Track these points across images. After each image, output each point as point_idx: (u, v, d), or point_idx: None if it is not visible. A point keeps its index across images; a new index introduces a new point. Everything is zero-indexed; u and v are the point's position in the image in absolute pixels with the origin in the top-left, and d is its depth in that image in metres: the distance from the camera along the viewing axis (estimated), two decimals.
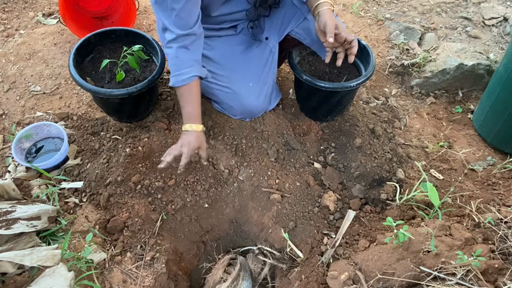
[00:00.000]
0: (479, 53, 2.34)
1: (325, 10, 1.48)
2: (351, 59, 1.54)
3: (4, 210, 1.43)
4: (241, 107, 1.80)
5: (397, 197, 1.70)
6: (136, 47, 1.70)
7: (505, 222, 1.47)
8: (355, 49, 1.51)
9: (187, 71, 1.53)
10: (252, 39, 1.76)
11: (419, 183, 1.58)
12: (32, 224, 1.42)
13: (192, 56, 1.54)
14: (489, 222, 1.46)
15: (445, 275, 1.26)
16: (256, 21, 1.70)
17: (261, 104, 1.81)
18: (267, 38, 1.76)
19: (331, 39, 1.43)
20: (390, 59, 2.41)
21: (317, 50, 1.79)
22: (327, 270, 1.47)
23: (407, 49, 2.45)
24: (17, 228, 1.38)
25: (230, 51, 1.77)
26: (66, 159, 1.75)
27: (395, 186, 1.75)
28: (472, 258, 1.24)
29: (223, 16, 1.65)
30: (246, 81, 1.76)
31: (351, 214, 1.63)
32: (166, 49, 1.56)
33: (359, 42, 1.77)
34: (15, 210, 1.44)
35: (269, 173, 1.80)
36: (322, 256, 1.55)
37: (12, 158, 1.70)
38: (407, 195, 1.67)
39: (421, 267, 1.30)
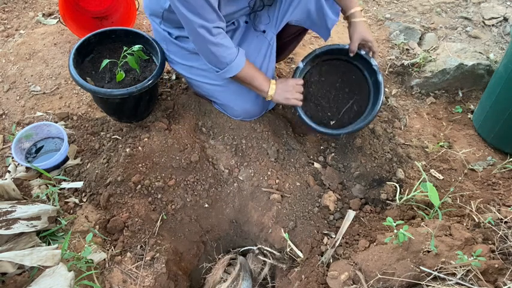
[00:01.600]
0: (479, 53, 2.34)
1: (361, 23, 1.68)
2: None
3: (4, 210, 1.43)
4: (242, 106, 1.80)
5: (397, 197, 1.70)
6: (136, 47, 1.70)
7: (505, 222, 1.47)
8: (375, 55, 1.77)
9: (236, 57, 1.56)
10: (253, 29, 1.75)
11: (419, 183, 1.58)
12: (32, 224, 1.42)
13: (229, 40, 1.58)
14: (489, 222, 1.46)
15: (445, 275, 1.26)
16: (257, 11, 1.69)
17: (260, 102, 1.81)
18: (264, 31, 1.75)
19: (368, 54, 1.77)
20: (390, 59, 2.41)
21: (317, 31, 1.79)
22: (327, 270, 1.48)
23: (407, 49, 2.45)
24: (17, 228, 1.38)
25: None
26: (66, 159, 1.75)
27: (395, 186, 1.75)
28: (472, 258, 1.24)
29: (227, 16, 1.64)
30: None
31: (351, 214, 1.63)
32: (203, 44, 1.52)
33: (377, 76, 1.81)
34: (15, 210, 1.44)
35: (269, 173, 1.80)
36: (322, 256, 1.55)
37: (12, 158, 1.70)
38: (407, 195, 1.67)
39: (421, 267, 1.30)
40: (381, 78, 1.78)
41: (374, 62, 1.75)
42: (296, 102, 1.71)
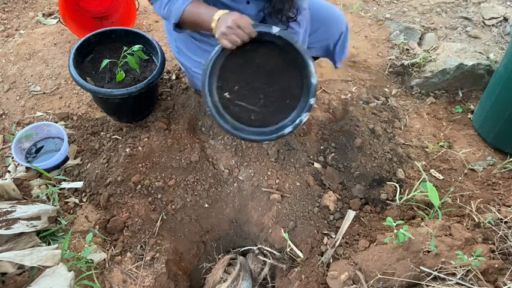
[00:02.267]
0: (479, 53, 2.34)
1: None
2: None
3: (4, 210, 1.43)
4: None
5: (397, 197, 1.70)
6: (136, 47, 1.70)
7: (505, 222, 1.47)
8: None
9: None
10: None
11: (419, 183, 1.58)
12: (32, 224, 1.42)
13: None
14: (489, 222, 1.46)
15: (445, 275, 1.26)
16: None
17: None
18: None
19: None
20: (390, 59, 2.41)
21: (331, 60, 1.86)
22: (327, 270, 1.47)
23: (407, 49, 2.45)
24: (17, 228, 1.38)
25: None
26: (66, 159, 1.75)
27: (395, 186, 1.75)
28: (472, 258, 1.24)
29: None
30: None
31: (351, 214, 1.63)
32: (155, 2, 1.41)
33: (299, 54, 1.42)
34: (15, 210, 1.44)
35: (269, 173, 1.80)
36: (322, 256, 1.55)
37: (12, 158, 1.70)
38: (407, 195, 1.67)
39: (421, 267, 1.30)
40: (304, 56, 1.38)
41: (275, 30, 1.32)
42: (226, 44, 1.30)
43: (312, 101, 1.42)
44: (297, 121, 1.44)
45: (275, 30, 1.31)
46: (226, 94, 1.44)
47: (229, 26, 1.26)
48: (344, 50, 1.85)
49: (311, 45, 1.77)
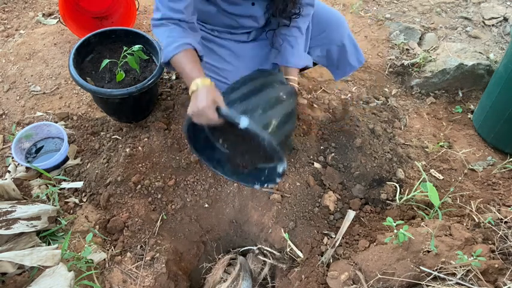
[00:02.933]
0: (479, 53, 2.34)
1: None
2: None
3: (4, 210, 1.43)
4: None
5: (397, 197, 1.70)
6: (136, 47, 1.70)
7: (505, 222, 1.47)
8: None
9: (180, 39, 1.34)
10: (270, 46, 1.69)
11: (419, 183, 1.58)
12: (32, 224, 1.42)
13: (186, 34, 1.38)
14: (489, 222, 1.46)
15: (445, 275, 1.26)
16: (273, 30, 1.64)
17: None
18: (281, 45, 1.68)
19: None
20: (390, 59, 2.41)
21: (332, 71, 1.85)
22: (327, 270, 1.48)
23: (407, 49, 2.45)
24: (17, 228, 1.38)
25: (239, 49, 1.70)
26: (66, 159, 1.75)
27: (395, 186, 1.75)
28: (472, 258, 1.24)
29: (235, 17, 1.59)
30: None
31: (351, 214, 1.63)
32: (157, 28, 1.39)
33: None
34: (15, 210, 1.44)
35: None
36: (322, 256, 1.55)
37: (12, 158, 1.70)
38: (407, 195, 1.67)
39: (421, 267, 1.30)
40: (271, 150, 1.25)
41: (243, 123, 1.18)
42: (196, 122, 1.30)
43: (279, 170, 1.32)
44: (266, 182, 1.39)
45: (243, 123, 1.17)
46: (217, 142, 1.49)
47: (197, 112, 1.24)
48: (346, 72, 1.82)
49: (312, 49, 1.75)
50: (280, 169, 1.31)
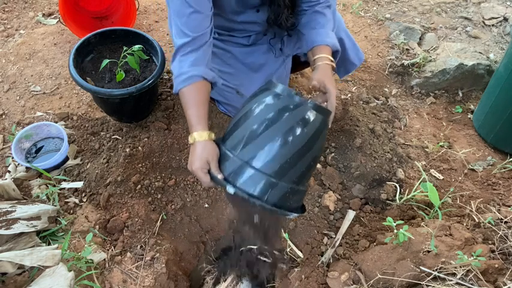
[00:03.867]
0: (479, 53, 2.34)
1: (324, 67, 1.34)
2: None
3: (4, 210, 1.43)
4: None
5: (397, 197, 1.70)
6: (136, 47, 1.70)
7: (505, 222, 1.47)
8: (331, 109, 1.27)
9: (188, 71, 1.31)
10: (268, 50, 1.69)
11: (419, 183, 1.58)
12: (32, 224, 1.42)
13: (196, 60, 1.33)
14: (489, 222, 1.46)
15: (445, 275, 1.26)
16: (273, 34, 1.64)
17: None
18: (281, 49, 1.70)
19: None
20: (390, 59, 2.41)
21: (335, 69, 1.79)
22: (327, 270, 1.48)
23: (407, 49, 2.45)
24: (17, 228, 1.38)
25: (239, 53, 1.70)
26: (66, 159, 1.75)
27: (395, 186, 1.75)
28: (472, 258, 1.24)
29: (237, 24, 1.58)
30: (254, 84, 1.67)
31: (350, 214, 1.63)
32: (172, 62, 1.36)
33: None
34: (15, 210, 1.44)
35: None
36: (322, 256, 1.55)
37: (12, 158, 1.70)
38: (407, 195, 1.67)
39: (421, 267, 1.30)
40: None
41: (230, 190, 1.11)
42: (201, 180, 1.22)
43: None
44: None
45: (229, 190, 1.10)
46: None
47: (192, 171, 1.21)
48: (347, 69, 1.78)
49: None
50: (290, 216, 1.20)
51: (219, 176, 1.15)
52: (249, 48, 1.68)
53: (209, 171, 1.19)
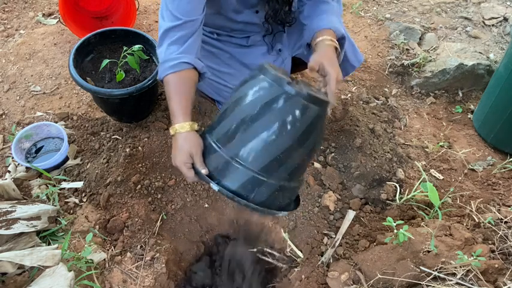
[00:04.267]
0: (479, 53, 2.34)
1: (327, 47, 1.24)
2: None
3: (4, 210, 1.43)
4: None
5: (397, 197, 1.70)
6: (136, 47, 1.70)
7: (505, 222, 1.47)
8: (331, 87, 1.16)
9: (178, 57, 1.24)
10: (267, 51, 1.68)
11: (420, 183, 1.58)
12: (32, 224, 1.42)
13: (187, 47, 1.27)
14: (489, 222, 1.46)
15: (445, 275, 1.26)
16: (272, 35, 1.63)
17: None
18: (280, 50, 1.68)
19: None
20: (390, 59, 2.41)
21: None
22: (327, 270, 1.48)
23: (407, 49, 2.45)
24: (17, 228, 1.38)
25: (238, 54, 1.69)
26: (66, 159, 1.75)
27: (395, 186, 1.75)
28: (472, 258, 1.24)
29: (236, 24, 1.57)
30: None
31: (350, 214, 1.63)
32: (160, 47, 1.32)
33: None
34: (15, 210, 1.44)
35: None
36: (322, 256, 1.55)
37: (12, 158, 1.70)
38: (407, 195, 1.67)
39: (421, 267, 1.30)
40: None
41: (214, 187, 1.06)
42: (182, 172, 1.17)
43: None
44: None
45: (214, 187, 1.05)
46: None
47: (176, 166, 1.17)
48: (347, 71, 1.68)
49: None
50: (279, 215, 1.14)
51: (203, 171, 1.08)
52: (248, 49, 1.68)
53: (193, 165, 1.12)
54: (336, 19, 1.36)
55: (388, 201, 1.73)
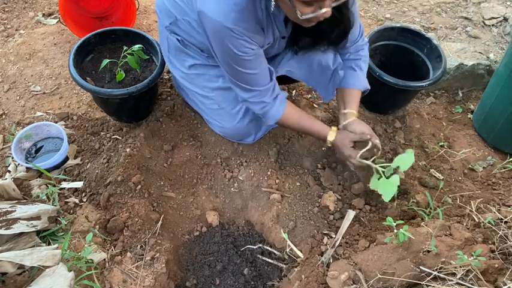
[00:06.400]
0: (479, 53, 2.34)
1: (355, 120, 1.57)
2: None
3: (4, 210, 1.43)
4: (220, 125, 1.75)
5: (396, 197, 1.70)
6: (136, 46, 1.70)
7: (505, 222, 1.47)
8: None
9: (275, 103, 1.50)
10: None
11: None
12: (32, 224, 1.42)
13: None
14: (489, 222, 1.46)
15: (445, 275, 1.26)
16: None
17: (245, 125, 1.71)
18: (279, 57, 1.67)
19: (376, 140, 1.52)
20: None
21: (314, 86, 1.78)
22: (327, 270, 1.47)
23: None
24: (17, 228, 1.38)
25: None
26: (66, 159, 1.74)
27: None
28: (472, 258, 1.24)
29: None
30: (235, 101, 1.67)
31: (350, 214, 1.63)
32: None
33: (431, 41, 1.93)
34: (15, 210, 1.44)
35: (269, 173, 1.80)
36: (322, 256, 1.54)
37: (12, 158, 1.70)
38: (408, 195, 1.67)
39: (421, 267, 1.30)
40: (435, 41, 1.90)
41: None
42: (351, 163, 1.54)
43: None
44: None
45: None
46: None
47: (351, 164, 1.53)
48: (330, 93, 1.76)
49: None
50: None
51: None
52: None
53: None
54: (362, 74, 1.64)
55: (388, 201, 1.73)
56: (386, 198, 1.35)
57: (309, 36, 1.45)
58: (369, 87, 1.65)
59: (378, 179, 1.40)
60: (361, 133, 1.49)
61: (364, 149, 1.46)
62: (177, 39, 1.63)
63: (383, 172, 1.39)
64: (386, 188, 1.36)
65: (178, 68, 1.71)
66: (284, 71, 1.64)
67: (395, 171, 1.39)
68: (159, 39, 1.77)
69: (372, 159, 1.46)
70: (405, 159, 1.37)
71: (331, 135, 1.51)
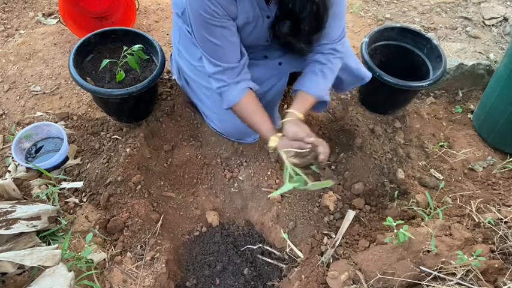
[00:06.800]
0: (479, 53, 2.34)
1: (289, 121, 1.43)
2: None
3: (4, 210, 1.43)
4: (222, 123, 1.73)
5: (396, 197, 1.70)
6: (136, 46, 1.70)
7: (505, 222, 1.48)
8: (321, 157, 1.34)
9: (236, 87, 1.43)
10: (265, 60, 1.66)
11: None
12: (32, 224, 1.42)
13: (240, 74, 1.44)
14: (489, 222, 1.46)
15: (445, 275, 1.26)
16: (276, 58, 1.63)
17: (242, 130, 1.65)
18: (280, 64, 1.64)
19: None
20: None
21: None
22: (327, 270, 1.48)
23: None
24: (17, 228, 1.38)
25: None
26: (66, 159, 1.75)
27: (396, 186, 1.75)
28: (472, 258, 1.24)
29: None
30: None
31: (350, 214, 1.63)
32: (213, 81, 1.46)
33: (431, 41, 1.94)
34: (15, 210, 1.44)
35: (269, 173, 1.80)
36: (322, 256, 1.55)
37: (12, 158, 1.70)
38: (408, 195, 1.67)
39: (421, 267, 1.30)
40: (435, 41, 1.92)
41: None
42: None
43: None
44: None
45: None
46: None
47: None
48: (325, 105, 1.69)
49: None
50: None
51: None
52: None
53: None
54: (323, 82, 1.51)
55: (388, 201, 1.73)
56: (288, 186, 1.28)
57: (289, 18, 1.41)
58: (326, 99, 1.52)
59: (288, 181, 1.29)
60: (293, 134, 1.36)
61: (292, 154, 1.32)
62: (188, 31, 1.61)
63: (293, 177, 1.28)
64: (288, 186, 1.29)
65: (186, 59, 1.68)
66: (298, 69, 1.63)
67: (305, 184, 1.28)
68: (172, 28, 1.74)
69: (312, 165, 1.34)
70: (320, 184, 1.31)
71: (273, 140, 1.40)
